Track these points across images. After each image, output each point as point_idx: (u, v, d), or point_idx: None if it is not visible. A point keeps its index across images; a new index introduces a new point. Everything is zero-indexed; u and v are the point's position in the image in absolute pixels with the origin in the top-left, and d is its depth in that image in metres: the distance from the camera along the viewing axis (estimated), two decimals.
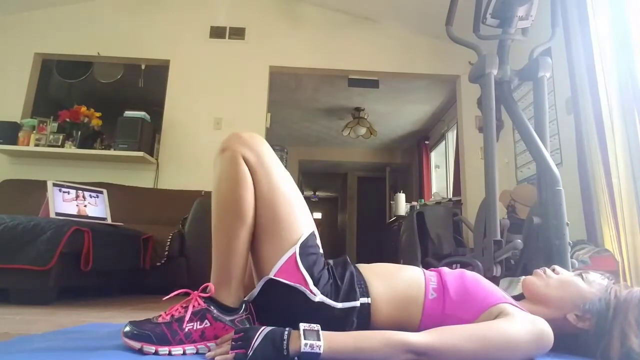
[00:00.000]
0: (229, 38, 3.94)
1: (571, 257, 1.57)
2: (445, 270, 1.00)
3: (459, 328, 0.81)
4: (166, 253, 2.71)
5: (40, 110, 3.80)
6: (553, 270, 1.04)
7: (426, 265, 1.78)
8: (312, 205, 11.95)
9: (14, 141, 3.45)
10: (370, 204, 7.98)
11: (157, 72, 3.98)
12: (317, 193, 11.69)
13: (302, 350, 0.73)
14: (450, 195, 4.85)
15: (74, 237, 1.99)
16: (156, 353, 0.83)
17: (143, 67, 4.14)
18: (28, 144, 3.47)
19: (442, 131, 5.76)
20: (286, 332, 0.76)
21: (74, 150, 3.50)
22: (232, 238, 0.91)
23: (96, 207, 2.44)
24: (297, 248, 0.92)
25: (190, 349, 0.85)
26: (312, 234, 0.97)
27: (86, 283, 2.27)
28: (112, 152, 3.50)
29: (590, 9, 2.33)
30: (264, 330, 0.78)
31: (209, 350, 0.85)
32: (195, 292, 0.91)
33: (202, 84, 3.83)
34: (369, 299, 0.92)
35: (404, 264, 1.35)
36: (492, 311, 0.86)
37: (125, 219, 2.68)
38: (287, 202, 0.95)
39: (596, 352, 0.89)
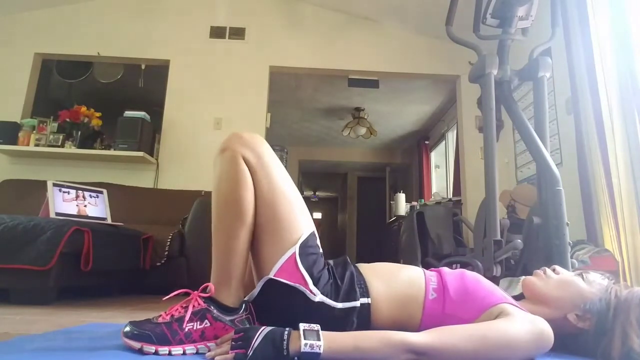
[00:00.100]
0: (229, 38, 3.94)
1: (571, 257, 1.57)
2: (445, 270, 1.00)
3: (458, 328, 0.81)
4: (166, 253, 2.71)
5: (40, 110, 3.80)
6: (553, 270, 1.04)
7: (426, 265, 1.78)
8: (312, 205, 11.96)
9: (14, 141, 3.45)
10: (370, 204, 7.98)
11: (157, 72, 3.98)
12: (317, 193, 11.69)
13: (302, 350, 0.73)
14: (450, 195, 4.85)
15: (74, 237, 1.99)
16: (156, 353, 0.83)
17: (143, 67, 4.15)
18: (28, 144, 3.47)
19: (442, 131, 5.76)
20: (286, 332, 0.76)
21: (74, 150, 3.50)
22: (232, 238, 0.91)
23: (96, 207, 2.44)
24: (296, 248, 0.92)
25: (190, 348, 0.85)
26: (312, 234, 0.97)
27: (86, 283, 2.27)
28: (112, 152, 3.50)
29: (590, 9, 2.33)
30: (264, 330, 0.78)
31: (209, 350, 0.85)
32: (195, 292, 0.91)
33: (202, 84, 3.84)
34: (369, 299, 0.92)
35: (404, 264, 1.35)
36: (493, 311, 0.86)
37: (125, 219, 2.68)
38: (287, 202, 0.95)
39: (596, 352, 0.89)
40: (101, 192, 2.52)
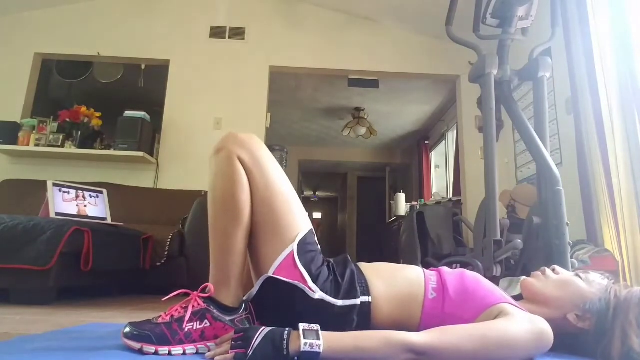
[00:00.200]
0: (229, 38, 3.94)
1: (571, 257, 1.57)
2: (445, 269, 1.00)
3: (458, 328, 0.81)
4: (166, 253, 2.71)
5: (40, 110, 3.80)
6: (553, 270, 1.04)
7: (426, 265, 1.78)
8: (312, 205, 11.96)
9: (14, 141, 3.45)
10: (370, 204, 7.99)
11: (157, 72, 3.98)
12: (317, 193, 11.69)
13: (301, 349, 0.73)
14: (450, 195, 4.85)
15: (74, 237, 1.99)
16: (156, 353, 0.83)
17: (143, 67, 4.15)
18: (28, 144, 3.47)
19: (442, 131, 5.76)
20: (286, 332, 0.76)
21: (74, 150, 3.50)
22: (229, 238, 0.91)
23: (96, 207, 2.44)
24: (294, 246, 0.92)
25: (190, 348, 0.85)
26: (310, 232, 0.97)
27: (86, 283, 2.27)
28: (112, 152, 3.50)
29: (590, 9, 2.33)
30: (264, 330, 0.78)
31: (209, 350, 0.85)
32: (195, 292, 0.91)
33: (202, 84, 3.84)
34: (370, 297, 0.92)
35: (404, 264, 1.35)
36: (492, 311, 0.86)
37: (125, 219, 2.68)
38: (283, 200, 0.95)
39: (596, 352, 0.89)
40: (101, 192, 2.52)
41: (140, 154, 3.43)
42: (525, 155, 3.22)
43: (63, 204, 2.26)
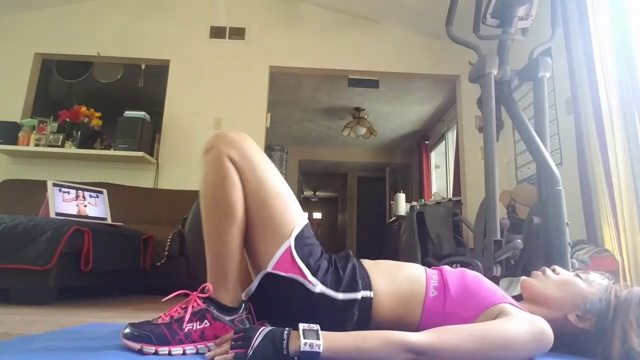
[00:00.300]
0: (229, 38, 3.94)
1: (571, 257, 1.57)
2: (446, 268, 1.00)
3: (458, 328, 0.81)
4: (166, 253, 2.71)
5: (40, 110, 3.80)
6: (553, 270, 1.04)
7: (426, 265, 1.78)
8: (312, 205, 11.96)
9: (14, 141, 3.45)
10: (370, 204, 7.99)
11: (157, 72, 3.98)
12: (317, 193, 11.69)
13: (301, 349, 0.73)
14: (450, 195, 4.85)
15: (74, 237, 1.99)
16: (156, 353, 0.83)
17: (143, 67, 4.15)
18: (28, 144, 3.47)
19: (442, 131, 5.76)
20: (286, 332, 0.76)
21: (74, 150, 3.50)
22: (223, 237, 0.91)
23: (96, 207, 2.44)
24: (292, 241, 0.92)
25: (190, 348, 0.85)
26: (307, 225, 0.97)
27: (86, 283, 2.27)
28: (112, 152, 3.50)
29: (590, 9, 2.33)
30: (264, 330, 0.78)
31: (209, 350, 0.85)
32: (194, 292, 0.91)
33: (202, 84, 3.84)
34: (372, 292, 0.92)
35: None
36: (493, 310, 0.86)
37: (125, 219, 2.69)
38: (277, 196, 0.94)
39: (597, 352, 0.89)
40: (101, 192, 2.52)
41: (140, 154, 3.43)
42: (525, 155, 3.22)
43: (63, 204, 2.26)
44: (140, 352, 0.82)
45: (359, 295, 0.91)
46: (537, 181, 1.74)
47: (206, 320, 0.88)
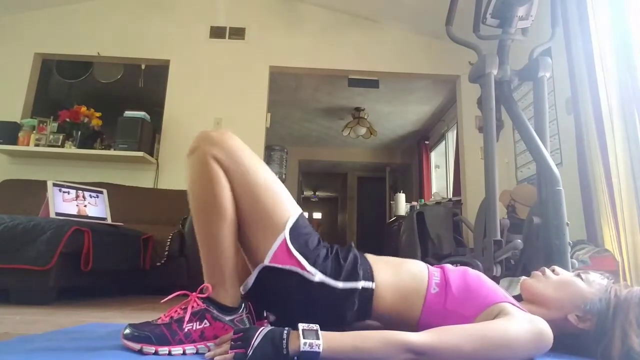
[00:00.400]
0: (229, 38, 3.94)
1: (571, 257, 1.57)
2: (448, 266, 1.00)
3: (458, 328, 0.81)
4: (166, 253, 2.71)
5: (40, 110, 3.80)
6: (553, 270, 1.04)
7: None
8: (312, 205, 11.96)
9: (14, 141, 3.45)
10: (370, 204, 7.99)
11: (157, 72, 3.98)
12: (317, 193, 11.69)
13: (301, 349, 0.73)
14: (450, 195, 4.85)
15: (74, 237, 1.99)
16: (156, 353, 0.83)
17: (143, 67, 4.15)
18: (28, 144, 3.47)
19: (442, 131, 5.76)
20: (285, 332, 0.76)
21: (74, 150, 3.50)
22: (216, 238, 0.91)
23: (96, 207, 2.44)
24: (286, 233, 0.92)
25: (190, 348, 0.86)
26: (301, 215, 0.97)
27: (86, 283, 2.27)
28: (112, 152, 3.50)
29: (590, 9, 2.33)
30: (263, 329, 0.78)
31: (209, 350, 0.85)
32: (194, 293, 0.91)
33: (202, 84, 3.83)
34: (374, 284, 0.92)
35: None
36: (493, 310, 0.86)
37: (125, 219, 2.68)
38: (267, 190, 0.94)
39: (597, 352, 0.90)
40: (101, 192, 2.52)
41: (140, 154, 3.43)
42: (525, 155, 3.22)
43: (63, 204, 2.26)
44: (140, 352, 0.83)
45: (359, 284, 0.91)
46: (537, 181, 1.74)
47: (206, 320, 0.88)
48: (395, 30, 4.06)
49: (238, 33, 3.94)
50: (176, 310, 0.89)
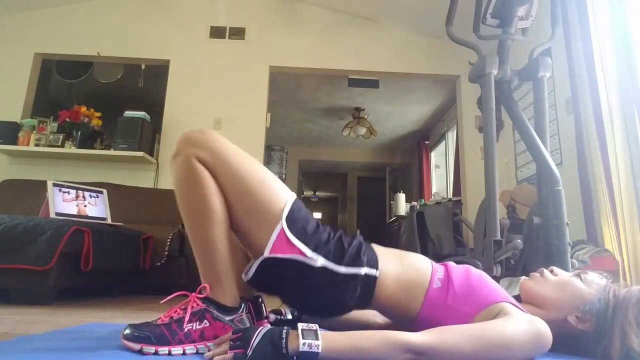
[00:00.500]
0: (229, 38, 3.94)
1: (571, 257, 1.57)
2: (452, 264, 1.00)
3: (458, 328, 0.81)
4: (166, 253, 2.71)
5: (40, 110, 3.80)
6: (551, 271, 1.04)
7: None
8: (312, 205, 11.95)
9: (14, 141, 3.45)
10: (370, 204, 7.98)
11: (157, 72, 3.98)
12: (317, 193, 11.68)
13: (300, 349, 0.73)
14: (450, 195, 4.85)
15: (74, 237, 1.99)
16: (156, 353, 0.83)
17: (143, 67, 4.15)
18: (28, 144, 3.47)
19: (442, 131, 5.76)
20: (284, 331, 0.76)
21: (74, 150, 3.50)
22: (209, 239, 0.90)
23: (96, 207, 2.44)
24: (283, 222, 0.91)
25: (190, 348, 0.86)
26: (296, 201, 0.96)
27: (86, 283, 2.27)
28: (112, 152, 3.50)
29: (590, 9, 2.33)
30: (263, 329, 0.78)
31: (209, 350, 0.85)
32: (193, 294, 0.91)
33: (202, 84, 3.83)
34: (378, 272, 0.92)
35: None
36: (493, 309, 0.86)
37: (125, 219, 2.69)
38: (258, 183, 0.92)
39: (596, 352, 0.90)
40: (101, 192, 2.52)
41: (140, 154, 3.43)
42: (525, 155, 3.22)
43: (63, 204, 2.26)
44: (140, 352, 0.83)
45: (362, 270, 0.91)
46: (537, 181, 1.74)
47: (206, 320, 0.88)
48: (395, 30, 4.06)
49: (238, 33, 3.94)
50: (176, 311, 0.89)
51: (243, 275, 0.94)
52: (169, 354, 0.84)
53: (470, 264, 1.58)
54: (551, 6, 1.96)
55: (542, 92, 1.77)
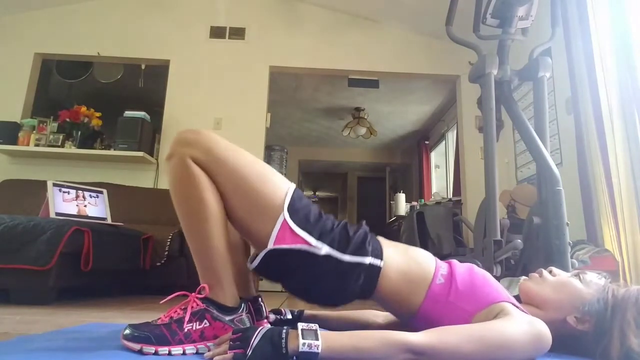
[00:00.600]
0: (229, 38, 3.94)
1: (571, 257, 1.57)
2: (456, 262, 1.00)
3: (457, 328, 0.81)
4: (166, 253, 2.71)
5: (40, 110, 3.80)
6: (550, 272, 1.04)
7: None
8: None
9: (14, 141, 3.45)
10: (370, 204, 7.98)
11: (157, 72, 3.98)
12: (317, 193, 11.68)
13: (300, 349, 0.73)
14: (450, 195, 4.85)
15: (74, 237, 1.99)
16: (156, 353, 0.83)
17: (143, 67, 4.15)
18: (28, 144, 3.47)
19: (442, 131, 5.76)
20: (284, 331, 0.76)
21: (74, 150, 3.50)
22: (206, 239, 0.90)
23: (96, 207, 2.44)
24: (285, 213, 0.91)
25: (190, 348, 0.85)
26: (296, 190, 0.95)
27: (86, 283, 2.27)
28: (112, 152, 3.50)
29: (590, 9, 2.33)
30: (262, 329, 0.77)
31: (209, 350, 0.85)
32: (193, 294, 0.91)
33: (202, 84, 3.83)
34: (382, 262, 0.92)
35: None
36: (494, 308, 0.86)
37: (125, 219, 2.68)
38: (255, 177, 0.92)
39: (596, 353, 0.90)
40: (101, 192, 2.52)
41: (140, 154, 3.43)
42: (525, 155, 3.22)
43: (63, 204, 2.26)
44: (140, 352, 0.83)
45: (366, 260, 0.91)
46: (537, 181, 1.75)
47: (206, 320, 0.88)
48: (395, 30, 4.06)
49: (238, 33, 3.95)
50: (176, 311, 0.89)
51: (248, 264, 0.94)
52: (169, 354, 0.84)
53: None
54: (551, 6, 1.96)
55: (542, 92, 1.77)
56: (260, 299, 1.05)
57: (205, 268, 0.92)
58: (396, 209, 5.66)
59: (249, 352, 0.73)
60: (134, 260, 2.51)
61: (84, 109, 3.59)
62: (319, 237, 0.91)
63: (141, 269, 2.58)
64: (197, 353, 0.86)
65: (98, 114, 3.66)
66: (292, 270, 0.92)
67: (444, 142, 5.80)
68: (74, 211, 2.30)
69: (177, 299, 0.94)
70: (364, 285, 0.91)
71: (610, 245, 2.07)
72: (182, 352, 0.85)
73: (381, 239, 1.00)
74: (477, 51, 1.86)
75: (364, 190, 8.23)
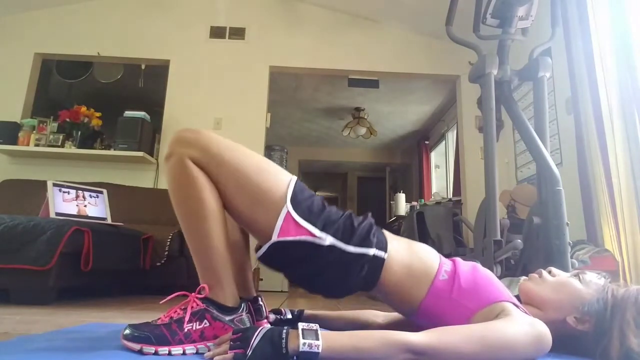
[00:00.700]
0: (229, 38, 3.94)
1: (571, 257, 1.57)
2: (460, 260, 1.00)
3: (458, 328, 0.81)
4: (166, 253, 2.71)
5: (40, 110, 3.80)
6: (549, 272, 1.04)
7: None
8: None
9: (14, 141, 3.45)
10: (370, 204, 7.97)
11: (157, 72, 3.98)
12: (317, 193, 11.67)
13: (300, 349, 0.73)
14: (450, 195, 4.85)
15: (74, 237, 1.99)
16: (156, 353, 0.83)
17: (143, 67, 4.15)
18: (28, 144, 3.47)
19: (442, 131, 5.76)
20: (284, 331, 0.76)
21: (74, 150, 3.50)
22: (205, 239, 0.90)
23: (96, 207, 2.44)
24: (288, 205, 0.90)
25: (190, 348, 0.85)
26: (297, 182, 0.95)
27: (86, 283, 2.27)
28: (112, 152, 3.50)
29: (590, 9, 2.33)
30: (262, 329, 0.77)
31: (209, 350, 0.85)
32: (192, 294, 0.91)
33: (202, 84, 3.84)
34: (387, 254, 0.93)
35: None
36: (495, 308, 0.86)
37: (125, 219, 2.68)
38: (255, 173, 0.92)
39: (596, 353, 0.89)
40: (101, 192, 2.52)
41: (140, 154, 3.43)
42: (525, 155, 3.22)
43: (63, 204, 2.26)
44: (140, 352, 0.82)
45: (370, 251, 0.91)
46: (537, 181, 1.74)
47: (206, 320, 0.88)
48: (395, 30, 4.06)
49: (238, 33, 3.95)
50: (176, 311, 0.89)
51: (255, 252, 0.94)
52: (169, 354, 0.83)
53: None
54: (551, 6, 1.96)
55: (542, 92, 1.77)
56: (260, 298, 1.05)
57: (205, 268, 0.92)
58: (396, 209, 5.65)
59: (249, 352, 0.73)
60: (134, 260, 2.51)
61: (84, 109, 3.59)
62: (323, 228, 0.91)
63: (141, 269, 2.58)
64: (197, 353, 0.86)
65: (98, 114, 3.66)
66: (296, 261, 0.92)
67: (444, 142, 5.80)
68: (74, 211, 2.30)
69: (177, 299, 0.94)
70: (367, 276, 0.91)
71: (610, 245, 2.07)
72: (182, 352, 0.85)
73: (386, 232, 1.00)
74: (477, 51, 1.86)
75: (364, 190, 8.23)
